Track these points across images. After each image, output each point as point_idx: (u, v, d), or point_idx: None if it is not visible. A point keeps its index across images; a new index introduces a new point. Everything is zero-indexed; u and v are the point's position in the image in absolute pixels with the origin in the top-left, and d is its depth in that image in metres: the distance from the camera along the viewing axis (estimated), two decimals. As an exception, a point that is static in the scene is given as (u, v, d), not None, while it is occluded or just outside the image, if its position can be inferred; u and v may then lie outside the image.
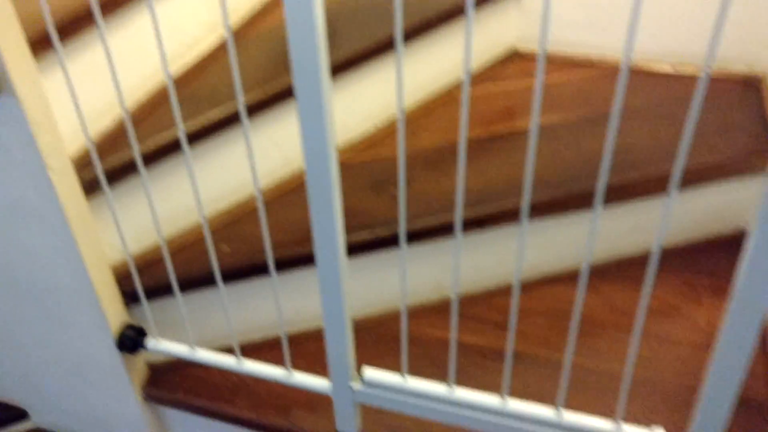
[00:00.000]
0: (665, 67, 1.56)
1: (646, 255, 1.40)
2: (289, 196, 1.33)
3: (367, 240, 1.18)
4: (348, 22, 1.44)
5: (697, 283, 1.35)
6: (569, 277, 1.37)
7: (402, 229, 0.78)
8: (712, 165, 1.30)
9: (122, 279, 1.15)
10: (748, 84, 1.51)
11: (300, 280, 1.23)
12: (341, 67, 1.31)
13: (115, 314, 1.15)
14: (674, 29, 1.53)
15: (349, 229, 1.17)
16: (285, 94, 1.25)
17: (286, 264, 1.19)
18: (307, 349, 1.26)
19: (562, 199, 1.25)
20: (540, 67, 0.60)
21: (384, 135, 1.45)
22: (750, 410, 1.12)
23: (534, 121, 0.65)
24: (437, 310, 1.33)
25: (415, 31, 1.39)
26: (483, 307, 1.33)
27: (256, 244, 1.23)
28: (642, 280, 1.36)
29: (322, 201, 0.75)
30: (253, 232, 1.26)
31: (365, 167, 1.36)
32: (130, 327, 1.15)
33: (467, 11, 0.59)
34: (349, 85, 1.35)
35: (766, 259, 0.58)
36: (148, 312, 1.12)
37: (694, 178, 1.31)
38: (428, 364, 1.23)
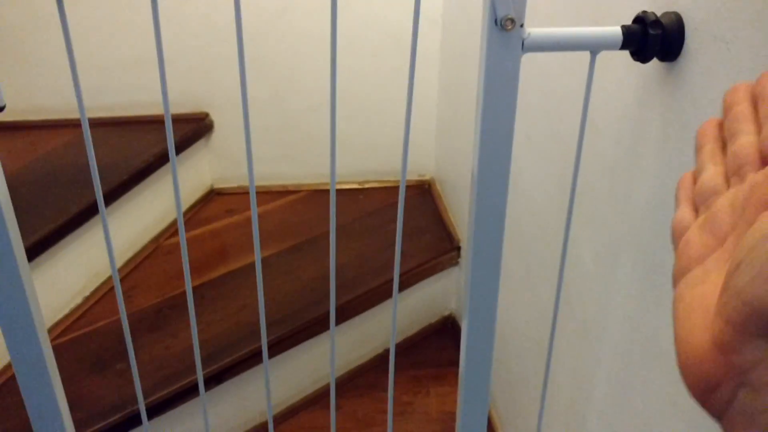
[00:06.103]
0: (353, 185, 1.73)
1: (373, 360, 1.50)
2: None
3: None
4: (35, 197, 1.34)
5: (422, 376, 1.49)
6: (310, 402, 1.42)
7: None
8: (412, 271, 1.46)
9: None
10: (421, 188, 1.75)
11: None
12: (37, 243, 1.21)
13: None
14: (358, 155, 1.71)
15: (80, 424, 1.07)
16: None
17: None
18: None
19: (293, 333, 1.29)
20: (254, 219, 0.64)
21: (94, 302, 1.36)
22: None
23: (259, 289, 0.68)
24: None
25: (111, 193, 1.34)
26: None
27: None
28: (374, 386, 1.46)
29: (44, 402, 0.68)
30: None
31: (82, 343, 1.26)
32: None
33: (172, 163, 0.61)
34: (48, 261, 1.25)
35: (476, 340, 0.68)
36: None
37: (400, 285, 1.45)
38: None
